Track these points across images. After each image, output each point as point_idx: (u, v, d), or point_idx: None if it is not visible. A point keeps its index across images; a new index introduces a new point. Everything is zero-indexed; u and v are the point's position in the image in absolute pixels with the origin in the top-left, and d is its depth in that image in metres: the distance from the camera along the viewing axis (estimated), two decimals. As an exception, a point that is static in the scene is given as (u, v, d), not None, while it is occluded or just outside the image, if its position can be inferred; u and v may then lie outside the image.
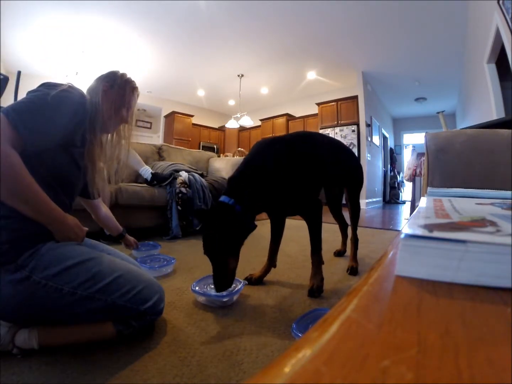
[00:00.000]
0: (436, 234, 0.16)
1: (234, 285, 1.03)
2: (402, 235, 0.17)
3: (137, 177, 2.28)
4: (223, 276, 0.90)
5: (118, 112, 0.90)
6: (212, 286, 1.02)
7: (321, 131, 5.63)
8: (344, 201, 1.55)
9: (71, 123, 0.75)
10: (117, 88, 0.91)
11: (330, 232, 2.21)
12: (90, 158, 0.85)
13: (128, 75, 0.97)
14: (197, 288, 1.00)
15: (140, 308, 0.73)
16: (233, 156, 4.37)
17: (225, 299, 0.96)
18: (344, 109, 5.63)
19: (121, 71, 0.96)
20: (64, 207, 0.74)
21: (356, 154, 5.01)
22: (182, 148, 3.12)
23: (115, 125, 0.92)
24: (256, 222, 0.97)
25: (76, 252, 0.70)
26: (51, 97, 0.69)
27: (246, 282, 1.10)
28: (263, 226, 2.21)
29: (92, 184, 0.91)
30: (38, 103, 0.69)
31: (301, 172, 1.03)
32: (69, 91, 0.75)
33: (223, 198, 0.94)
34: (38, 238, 0.69)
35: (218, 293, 0.97)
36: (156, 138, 7.00)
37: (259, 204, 1.00)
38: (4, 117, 0.62)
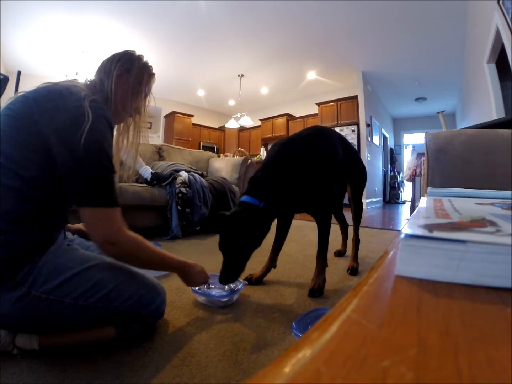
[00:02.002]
0: (436, 234, 0.16)
1: (234, 285, 1.03)
2: (402, 235, 0.17)
3: (137, 177, 2.28)
4: (232, 272, 0.91)
5: (134, 101, 0.79)
6: (212, 286, 1.02)
7: (321, 131, 5.61)
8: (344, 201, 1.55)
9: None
10: (135, 73, 0.79)
11: (331, 232, 2.21)
12: None
13: (145, 58, 0.85)
14: (197, 288, 1.00)
15: (142, 312, 0.72)
16: (233, 156, 4.38)
17: (225, 299, 0.96)
18: (344, 109, 5.63)
19: (137, 53, 0.83)
20: (64, 218, 0.75)
21: (356, 154, 4.99)
22: (182, 148, 3.12)
23: (125, 115, 0.81)
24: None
25: (75, 261, 0.68)
26: (104, 157, 0.65)
27: (246, 282, 1.10)
28: (263, 226, 2.20)
29: None
30: (106, 171, 0.65)
31: (322, 170, 1.02)
32: (99, 128, 0.65)
33: (246, 198, 0.92)
34: (35, 250, 0.64)
35: (218, 293, 0.97)
36: (156, 138, 7.02)
37: (283, 206, 0.99)
38: (109, 209, 0.64)
